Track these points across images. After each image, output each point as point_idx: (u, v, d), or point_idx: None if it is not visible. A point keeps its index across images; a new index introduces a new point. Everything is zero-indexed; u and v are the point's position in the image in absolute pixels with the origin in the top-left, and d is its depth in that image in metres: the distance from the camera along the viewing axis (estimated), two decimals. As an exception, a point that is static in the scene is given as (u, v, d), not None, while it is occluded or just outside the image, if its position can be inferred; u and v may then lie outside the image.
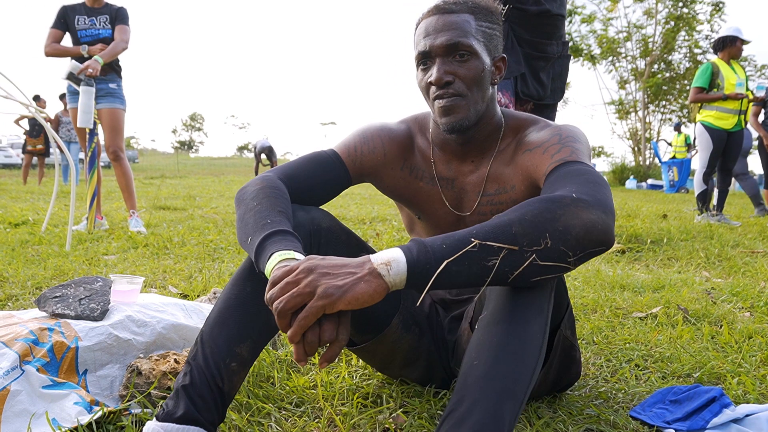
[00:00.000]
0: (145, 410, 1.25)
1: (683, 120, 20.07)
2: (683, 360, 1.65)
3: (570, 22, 19.21)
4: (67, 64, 3.79)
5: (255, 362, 1.48)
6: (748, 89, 5.34)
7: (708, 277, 2.96)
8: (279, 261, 0.94)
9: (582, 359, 1.67)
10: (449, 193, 1.33)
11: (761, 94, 5.79)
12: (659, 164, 14.76)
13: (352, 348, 1.37)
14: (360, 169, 1.31)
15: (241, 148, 79.99)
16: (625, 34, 19.84)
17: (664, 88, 19.61)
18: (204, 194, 8.72)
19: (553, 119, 2.74)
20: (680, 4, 18.80)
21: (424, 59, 1.20)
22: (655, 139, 19.42)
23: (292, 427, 1.24)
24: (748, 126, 5.76)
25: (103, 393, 1.31)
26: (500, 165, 1.27)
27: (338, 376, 1.50)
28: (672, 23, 19.00)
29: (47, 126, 3.70)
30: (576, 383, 1.48)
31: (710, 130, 5.30)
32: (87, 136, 3.96)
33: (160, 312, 1.49)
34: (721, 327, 2.00)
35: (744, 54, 5.46)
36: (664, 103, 20.49)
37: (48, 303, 1.39)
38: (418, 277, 0.86)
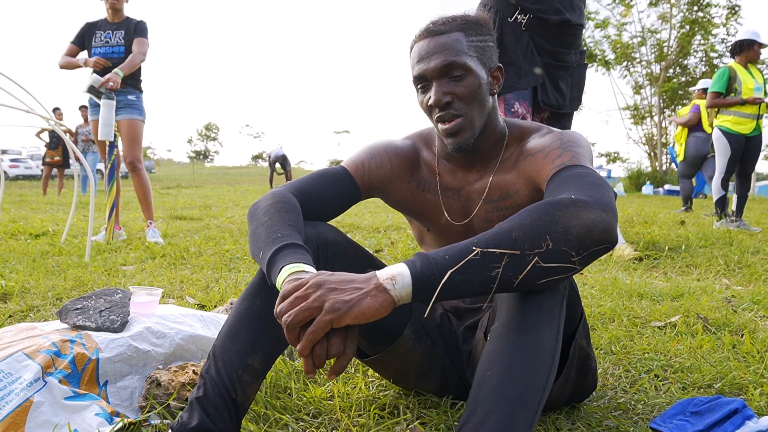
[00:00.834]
0: (164, 421, 1.27)
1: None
2: (704, 370, 1.63)
3: (585, 28, 19.13)
4: (88, 77, 3.86)
5: (272, 373, 1.50)
6: (766, 93, 5.28)
7: (728, 285, 2.92)
8: (290, 274, 0.96)
9: (600, 369, 1.66)
10: (456, 203, 1.34)
11: None
12: (676, 169, 14.60)
13: (365, 360, 1.38)
14: (369, 183, 1.34)
15: (255, 157, 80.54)
16: (639, 38, 19.72)
17: (680, 92, 19.44)
18: (219, 204, 8.79)
19: (569, 127, 2.73)
20: (695, 8, 18.66)
21: (421, 82, 1.23)
22: (671, 144, 19.25)
23: (309, 438, 1.25)
24: None
25: (123, 404, 1.32)
26: (504, 172, 1.29)
27: (355, 387, 1.50)
28: (687, 27, 18.85)
29: (66, 137, 3.76)
30: (594, 394, 1.47)
31: (728, 135, 5.24)
32: (107, 148, 4.03)
33: (179, 323, 1.51)
34: (742, 336, 1.97)
35: (762, 57, 5.42)
36: (680, 107, 20.32)
37: (69, 315, 1.41)
38: (424, 289, 0.88)
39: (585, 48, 3.09)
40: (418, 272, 0.88)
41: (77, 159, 3.90)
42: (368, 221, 5.64)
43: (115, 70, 3.87)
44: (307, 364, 0.89)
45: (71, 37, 4.19)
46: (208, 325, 1.59)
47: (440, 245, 1.40)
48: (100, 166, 12.12)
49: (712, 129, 5.45)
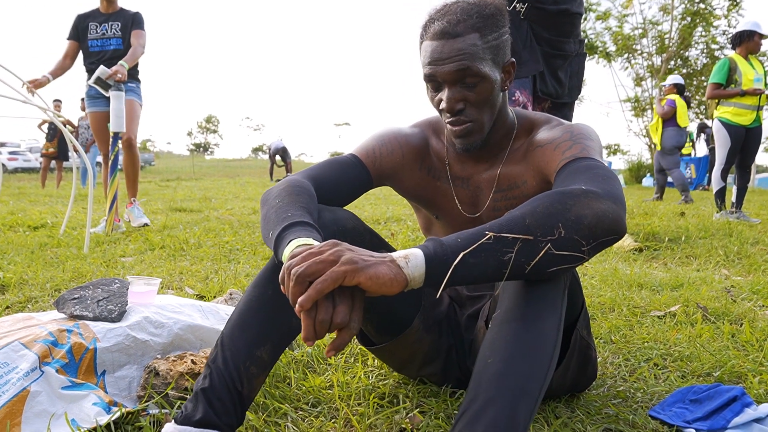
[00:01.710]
0: (162, 411, 1.26)
1: (700, 116, 19.83)
2: (703, 359, 1.63)
3: (585, 19, 19.05)
4: (98, 69, 3.86)
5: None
6: (767, 84, 5.25)
7: (727, 275, 2.92)
8: (297, 246, 0.93)
9: (600, 358, 1.66)
10: (465, 191, 1.34)
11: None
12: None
13: (372, 348, 1.38)
14: (380, 170, 1.32)
15: (255, 150, 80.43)
16: (640, 30, 19.62)
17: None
18: (219, 196, 8.78)
19: (570, 117, 2.72)
20: (697, -1, 18.59)
21: (432, 82, 1.21)
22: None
23: (308, 427, 1.25)
24: None
25: (121, 394, 1.32)
26: (513, 163, 1.28)
27: (354, 377, 1.50)
28: (689, 19, 18.75)
29: (64, 129, 3.75)
30: (594, 382, 1.47)
31: (728, 126, 5.22)
32: (111, 140, 4.02)
33: (177, 313, 1.50)
34: (741, 325, 1.97)
35: (763, 49, 5.40)
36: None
37: (66, 305, 1.40)
38: (437, 271, 0.86)
39: (584, 37, 3.07)
40: (431, 253, 0.87)
41: (75, 151, 3.89)
42: (369, 213, 5.64)
43: (121, 62, 3.89)
44: (308, 327, 0.85)
45: (66, 35, 4.18)
46: (207, 315, 1.58)
47: (448, 234, 1.39)
48: (99, 158, 12.10)
49: (713, 120, 5.43)
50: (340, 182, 1.27)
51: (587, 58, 2.87)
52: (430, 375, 1.41)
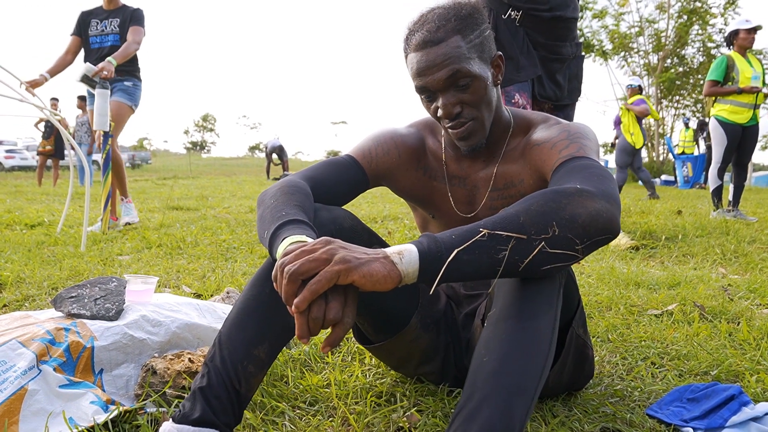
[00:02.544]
0: (160, 409, 1.26)
1: (697, 114, 19.87)
2: (700, 358, 1.64)
3: (581, 18, 19.07)
4: (81, 66, 3.83)
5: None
6: (765, 83, 5.26)
7: (724, 274, 2.92)
8: (291, 243, 0.93)
9: (597, 357, 1.66)
10: (462, 190, 1.34)
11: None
12: (673, 160, 14.61)
13: (369, 346, 1.38)
14: (376, 170, 1.32)
15: (252, 148, 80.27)
16: (637, 29, 19.64)
17: (678, 82, 19.40)
18: (216, 194, 8.77)
19: (571, 118, 2.73)
20: (693, -3, 18.60)
21: (425, 93, 1.20)
22: (668, 135, 19.26)
23: (306, 425, 1.25)
24: None
25: (119, 392, 1.31)
26: (510, 162, 1.28)
27: (351, 375, 1.50)
28: (685, 17, 18.77)
29: (61, 128, 3.74)
30: (591, 381, 1.47)
31: (724, 124, 5.23)
32: (102, 138, 3.99)
33: (174, 311, 1.50)
34: (738, 324, 1.97)
35: (762, 47, 5.41)
36: (677, 98, 20.29)
37: (64, 303, 1.40)
38: (430, 267, 0.86)
39: (581, 39, 3.08)
40: (425, 250, 0.87)
41: (72, 148, 3.88)
42: (366, 211, 5.64)
43: (108, 58, 3.83)
44: (302, 326, 0.85)
45: (65, 25, 4.17)
46: (204, 313, 1.58)
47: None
48: (97, 156, 12.07)
49: (710, 118, 5.45)
50: (336, 183, 1.27)
51: (584, 58, 2.87)
52: (428, 374, 1.42)
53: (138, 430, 1.20)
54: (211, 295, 2.29)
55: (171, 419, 1.03)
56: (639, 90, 8.15)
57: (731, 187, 5.39)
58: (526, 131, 1.28)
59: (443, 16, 1.16)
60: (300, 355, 1.63)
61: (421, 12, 1.20)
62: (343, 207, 1.27)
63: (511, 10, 2.45)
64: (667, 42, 19.19)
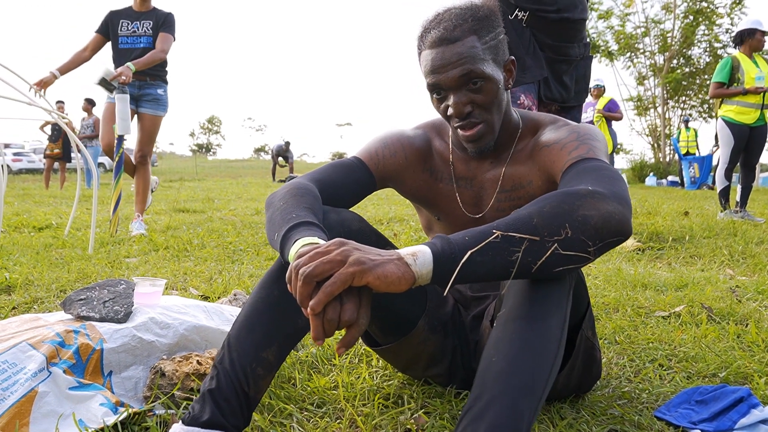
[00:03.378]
0: (168, 411, 1.27)
1: (703, 115, 19.79)
2: (708, 360, 1.63)
3: (588, 18, 19.02)
4: (100, 69, 3.83)
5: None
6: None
7: (732, 275, 2.91)
8: (303, 245, 0.94)
9: (604, 359, 1.66)
10: (469, 192, 1.34)
11: None
12: (679, 160, 14.56)
13: (377, 349, 1.38)
14: (383, 172, 1.33)
15: (258, 150, 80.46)
16: (643, 29, 19.58)
17: (684, 83, 19.33)
18: (222, 196, 8.79)
19: (579, 119, 2.72)
20: (699, -3, 18.53)
21: (437, 91, 1.21)
22: (675, 135, 19.20)
23: (313, 427, 1.25)
24: None
25: (128, 394, 1.32)
26: (518, 163, 1.29)
27: (359, 377, 1.50)
28: (691, 17, 18.71)
29: (68, 130, 3.76)
30: (598, 383, 1.47)
31: (731, 125, 5.21)
32: (116, 141, 4.00)
33: (182, 314, 1.51)
34: (746, 326, 1.96)
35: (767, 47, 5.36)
36: (684, 98, 20.21)
37: (73, 306, 1.41)
38: (444, 268, 0.86)
39: (589, 40, 3.08)
40: (438, 251, 0.87)
41: (78, 150, 3.90)
42: (371, 213, 5.64)
43: (128, 64, 3.81)
44: (317, 327, 0.85)
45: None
46: (212, 315, 1.59)
47: (449, 234, 1.39)
48: (102, 159, 12.11)
49: (717, 119, 5.43)
50: (343, 185, 1.28)
51: (592, 59, 2.86)
52: (435, 376, 1.42)
53: (147, 432, 1.21)
54: (218, 298, 2.30)
55: (180, 421, 1.03)
56: (604, 90, 8.31)
57: (739, 188, 5.36)
58: (534, 133, 1.28)
59: (460, 16, 1.17)
60: (307, 357, 1.64)
61: (438, 11, 1.21)
62: (350, 209, 1.28)
63: (518, 11, 2.45)
64: (673, 42, 19.13)
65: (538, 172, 1.24)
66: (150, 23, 4.05)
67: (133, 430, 1.21)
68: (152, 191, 4.32)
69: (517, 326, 0.92)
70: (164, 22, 4.07)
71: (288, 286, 0.89)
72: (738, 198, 5.32)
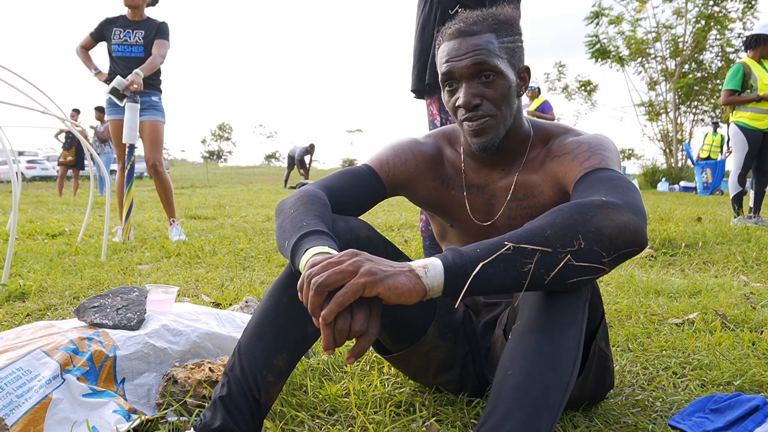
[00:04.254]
0: (181, 418, 1.27)
1: (716, 120, 19.65)
2: (723, 367, 1.61)
3: (597, 24, 18.99)
4: (113, 79, 3.90)
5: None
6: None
7: (746, 282, 2.88)
8: (314, 254, 0.94)
9: (617, 367, 1.65)
10: (480, 199, 1.34)
11: None
12: (692, 166, 14.44)
13: (387, 356, 1.38)
14: (394, 180, 1.33)
15: (269, 157, 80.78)
16: (654, 34, 19.47)
17: (696, 88, 19.19)
18: (233, 203, 8.84)
19: None
20: (711, 2, 18.39)
21: (450, 81, 1.22)
22: (687, 141, 19.05)
23: (325, 435, 1.25)
24: None
25: (141, 401, 1.33)
26: (529, 172, 1.28)
27: (370, 385, 1.50)
28: (702, 22, 18.60)
29: (82, 138, 3.80)
30: (611, 391, 1.45)
31: (745, 130, 5.17)
32: (126, 150, 4.06)
33: (195, 321, 1.52)
34: (761, 333, 1.94)
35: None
36: (695, 103, 20.07)
37: (87, 313, 1.42)
38: (455, 281, 0.86)
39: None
40: (450, 263, 0.87)
41: (92, 158, 3.94)
42: (382, 219, 5.64)
43: (136, 71, 3.88)
44: (328, 337, 0.86)
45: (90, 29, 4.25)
46: (224, 322, 1.60)
47: (462, 242, 1.40)
48: (114, 166, 12.18)
49: (729, 125, 5.38)
50: (354, 192, 1.28)
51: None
52: (447, 383, 1.41)
53: (159, 439, 1.22)
54: (230, 304, 2.31)
55: (192, 429, 1.04)
56: (539, 92, 8.42)
57: (752, 193, 5.32)
58: (545, 142, 1.28)
59: (482, 15, 1.21)
60: (318, 364, 1.64)
61: (460, 16, 1.24)
62: (360, 216, 1.28)
63: (459, 7, 2.44)
64: (685, 47, 19.01)
65: (550, 182, 1.24)
66: (142, 33, 4.12)
67: (145, 437, 1.21)
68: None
69: (533, 339, 0.91)
70: (158, 31, 4.14)
71: (299, 294, 0.89)
72: (751, 204, 5.27)
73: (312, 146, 15.55)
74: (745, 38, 5.38)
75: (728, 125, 5.42)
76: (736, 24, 18.57)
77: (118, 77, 3.86)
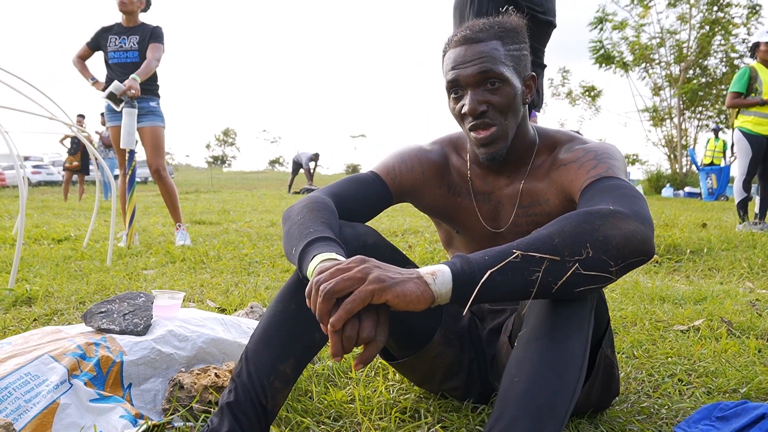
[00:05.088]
0: (187, 424, 1.28)
1: (720, 125, 19.60)
2: (729, 375, 1.61)
3: (601, 29, 18.99)
4: (110, 84, 3.92)
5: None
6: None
7: (752, 288, 2.87)
8: (322, 260, 0.94)
9: (622, 374, 1.64)
10: (486, 206, 1.34)
11: None
12: (697, 171, 14.41)
13: (393, 362, 1.38)
14: (400, 187, 1.33)
15: (272, 162, 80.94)
16: (658, 40, 19.47)
17: (700, 93, 19.16)
18: (238, 208, 8.85)
19: None
20: (715, 8, 18.39)
21: (455, 88, 1.22)
22: (691, 146, 19.01)
23: (331, 441, 1.25)
24: None
25: (147, 406, 1.33)
26: (535, 180, 1.29)
27: (375, 391, 1.50)
28: (707, 28, 18.58)
29: (88, 144, 3.82)
30: (617, 398, 1.45)
31: (749, 136, 5.16)
32: (127, 155, 4.08)
33: (200, 326, 1.52)
34: (767, 340, 1.94)
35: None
36: (700, 109, 20.03)
37: (94, 318, 1.43)
38: (463, 288, 0.86)
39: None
40: (458, 271, 0.87)
41: (97, 163, 3.96)
42: (386, 225, 5.65)
43: (132, 76, 3.90)
44: (336, 344, 0.86)
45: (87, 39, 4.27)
46: (229, 328, 1.60)
47: (469, 249, 1.40)
48: (117, 171, 12.25)
49: (733, 130, 5.37)
50: (360, 199, 1.28)
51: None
52: (452, 389, 1.41)
53: (166, 445, 1.22)
54: (235, 310, 2.32)
55: (200, 434, 1.04)
56: None
57: (757, 199, 5.30)
58: (551, 150, 1.29)
59: (488, 23, 1.21)
60: (324, 370, 1.64)
61: (466, 24, 1.25)
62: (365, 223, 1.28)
63: (509, 5, 2.48)
64: (689, 53, 19.00)
65: (556, 190, 1.24)
66: (137, 38, 4.15)
67: (152, 442, 1.22)
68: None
69: (540, 346, 0.91)
70: (152, 35, 4.16)
71: (307, 301, 0.89)
72: (757, 210, 5.25)
73: (317, 155, 15.75)
74: (749, 45, 5.38)
75: (732, 130, 5.41)
76: (740, 29, 18.54)
77: (116, 82, 3.88)
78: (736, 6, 18.36)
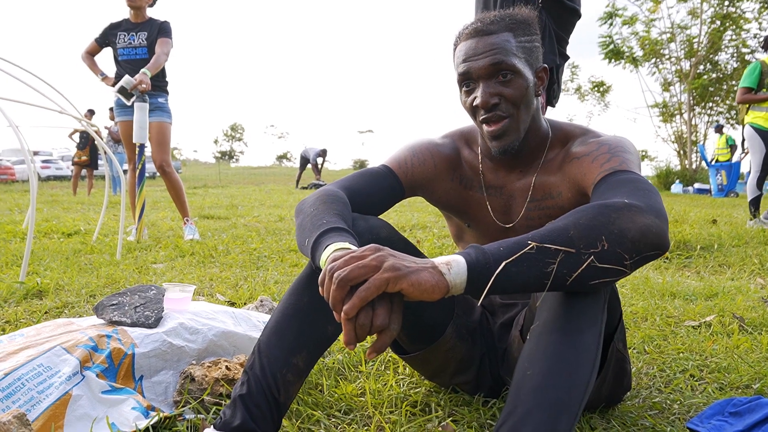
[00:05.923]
0: (198, 416, 1.28)
1: (731, 122, 19.44)
2: (741, 371, 1.60)
3: (611, 24, 18.87)
4: (121, 78, 3.93)
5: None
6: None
7: (763, 285, 2.85)
8: (335, 250, 0.94)
9: (634, 369, 1.64)
10: (498, 200, 1.33)
11: None
12: (706, 168, 14.30)
13: (404, 356, 1.38)
14: (412, 181, 1.33)
15: (280, 157, 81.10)
16: (668, 35, 19.31)
17: (711, 89, 19.00)
18: (246, 203, 8.87)
19: None
20: (726, 2, 18.21)
21: (467, 81, 1.21)
22: (701, 142, 18.86)
23: (342, 434, 1.25)
24: None
25: (158, 398, 1.34)
26: (547, 173, 1.28)
27: (386, 384, 1.50)
28: (718, 22, 18.41)
29: (98, 138, 3.83)
30: (628, 393, 1.44)
31: (761, 132, 5.11)
32: (137, 150, 4.09)
33: (211, 319, 1.53)
34: (780, 336, 1.92)
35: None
36: (710, 104, 19.87)
37: (105, 311, 1.43)
38: (478, 279, 0.86)
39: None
40: (473, 261, 0.86)
41: (106, 158, 3.98)
42: (394, 220, 5.64)
43: (143, 70, 3.91)
44: (349, 332, 0.85)
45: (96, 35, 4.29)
46: (240, 321, 1.60)
47: (480, 242, 1.39)
48: (126, 165, 12.31)
49: (744, 126, 5.33)
50: (372, 192, 1.28)
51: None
52: (463, 383, 1.41)
53: (177, 436, 1.22)
54: (245, 303, 2.32)
55: (212, 426, 1.04)
56: None
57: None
58: (564, 143, 1.28)
59: (499, 15, 1.21)
60: (334, 363, 1.64)
61: (477, 17, 1.24)
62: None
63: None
64: (700, 48, 18.83)
65: (568, 183, 1.23)
66: (145, 34, 4.16)
67: (163, 434, 1.22)
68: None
69: (552, 340, 0.91)
70: (160, 30, 4.16)
71: (320, 289, 0.88)
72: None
73: (324, 151, 15.82)
74: (761, 39, 5.32)
75: (743, 126, 5.36)
76: (752, 24, 18.37)
77: (126, 76, 3.89)
78: (747, 1, 18.18)
